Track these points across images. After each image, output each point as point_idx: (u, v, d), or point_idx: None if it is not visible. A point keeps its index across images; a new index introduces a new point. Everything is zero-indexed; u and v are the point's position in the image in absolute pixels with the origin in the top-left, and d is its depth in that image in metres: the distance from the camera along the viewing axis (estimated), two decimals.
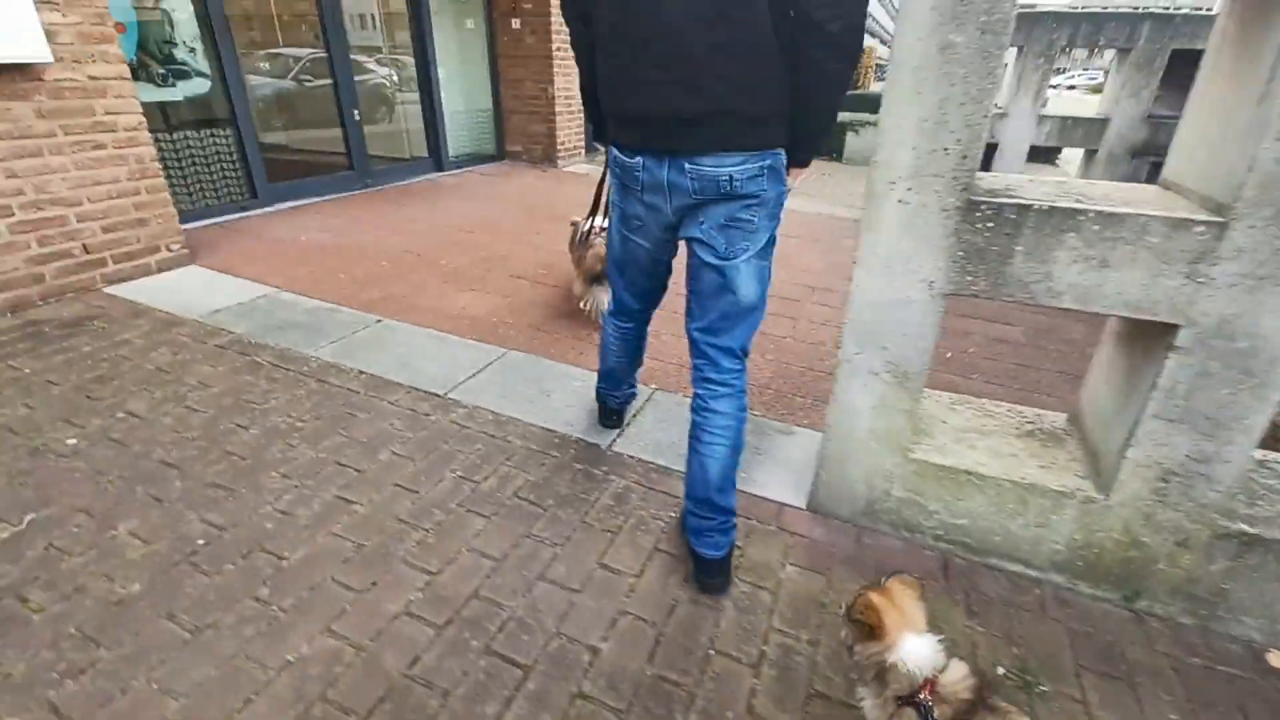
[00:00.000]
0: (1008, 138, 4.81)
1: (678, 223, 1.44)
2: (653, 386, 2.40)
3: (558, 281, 3.45)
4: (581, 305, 3.02)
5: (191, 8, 3.72)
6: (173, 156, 3.78)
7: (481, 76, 6.48)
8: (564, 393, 2.37)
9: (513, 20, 6.19)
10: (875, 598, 1.04)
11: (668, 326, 2.61)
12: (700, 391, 1.53)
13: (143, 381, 2.26)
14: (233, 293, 3.04)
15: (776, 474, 1.97)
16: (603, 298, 2.97)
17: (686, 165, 1.31)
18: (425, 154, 6.00)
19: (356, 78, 5.18)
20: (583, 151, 7.17)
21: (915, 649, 0.99)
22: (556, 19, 6.11)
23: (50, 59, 2.56)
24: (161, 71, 3.63)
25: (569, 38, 1.53)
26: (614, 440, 2.10)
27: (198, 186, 3.98)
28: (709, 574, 1.53)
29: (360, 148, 5.12)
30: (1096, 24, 4.54)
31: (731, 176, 1.30)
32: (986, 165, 5.00)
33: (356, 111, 5.00)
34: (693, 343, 1.54)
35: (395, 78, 5.97)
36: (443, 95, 5.86)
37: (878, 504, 1.73)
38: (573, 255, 3.05)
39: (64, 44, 2.63)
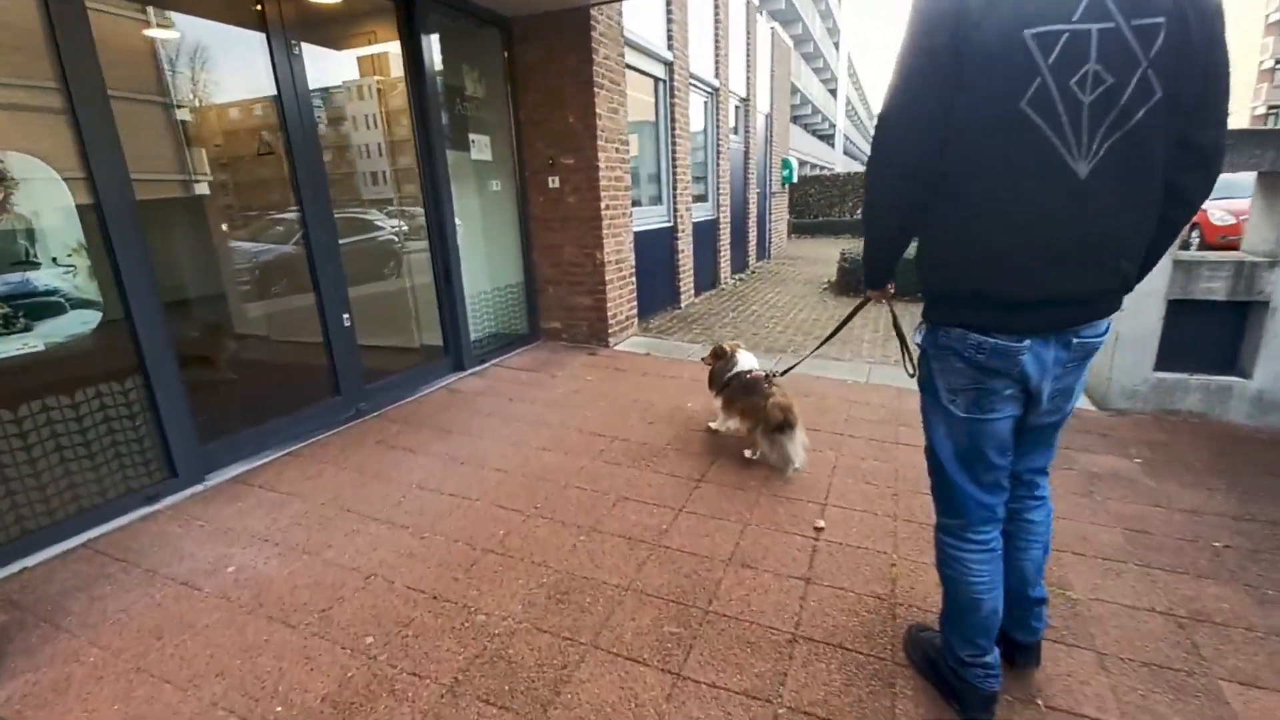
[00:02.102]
0: None
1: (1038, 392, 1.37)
2: None
3: (743, 680, 1.70)
4: (750, 454, 2.95)
5: (71, 201, 2.31)
6: (12, 448, 2.20)
7: (510, 246, 5.19)
8: None
9: (550, 179, 4.99)
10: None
11: None
12: (1014, 506, 1.54)
13: None
14: None
15: None
16: (790, 447, 2.77)
17: (1074, 340, 1.31)
18: (439, 343, 4.52)
19: (355, 238, 3.83)
20: (635, 323, 5.76)
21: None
22: (605, 174, 4.91)
23: None
24: (4, 311, 2.15)
25: (879, 197, 1.37)
26: None
27: (57, 488, 2.36)
28: (1026, 659, 1.66)
29: (351, 364, 3.61)
30: None
31: (1103, 340, 1.36)
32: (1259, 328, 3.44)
33: (347, 316, 3.55)
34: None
35: (405, 228, 4.71)
36: (464, 277, 4.48)
37: None
38: (721, 396, 3.11)
39: None
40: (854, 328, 5.98)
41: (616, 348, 5.26)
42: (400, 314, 4.80)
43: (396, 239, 4.77)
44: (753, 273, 10.17)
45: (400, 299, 4.80)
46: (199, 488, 2.76)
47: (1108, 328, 1.35)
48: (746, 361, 3.09)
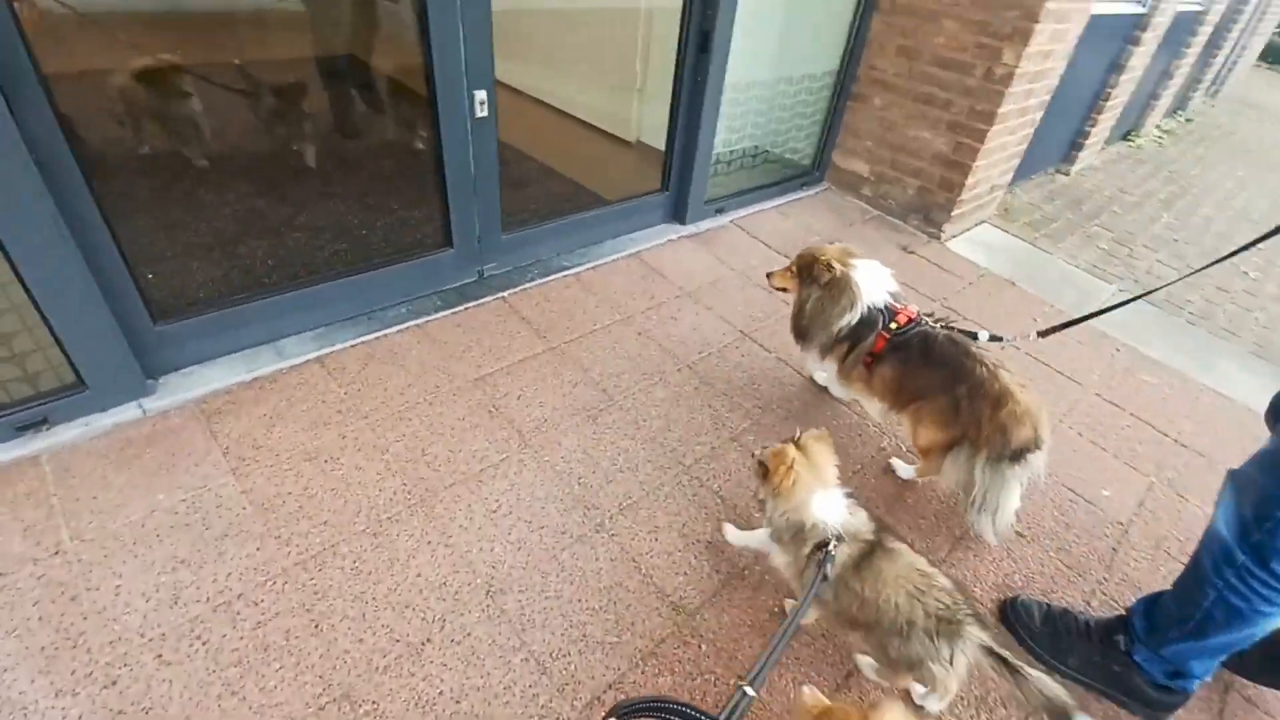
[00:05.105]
0: None
1: None
2: None
3: None
4: (912, 474, 1.61)
5: None
6: None
7: (833, 3, 2.73)
8: None
9: None
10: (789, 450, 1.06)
11: None
12: None
13: None
14: None
15: None
16: (1015, 491, 1.42)
17: None
18: (657, 157, 2.58)
19: None
20: (1000, 195, 3.18)
21: (826, 507, 1.05)
22: None
23: None
24: None
25: None
26: None
27: None
28: None
29: (482, 193, 1.90)
30: None
31: None
32: None
33: (483, 95, 1.74)
34: None
35: None
36: (727, 44, 2.29)
37: None
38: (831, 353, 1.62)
39: None
40: None
41: (951, 243, 2.89)
42: (615, 81, 2.85)
43: None
44: (1188, 120, 6.11)
45: (621, 51, 2.79)
46: (133, 412, 1.45)
47: None
48: (873, 285, 1.59)
